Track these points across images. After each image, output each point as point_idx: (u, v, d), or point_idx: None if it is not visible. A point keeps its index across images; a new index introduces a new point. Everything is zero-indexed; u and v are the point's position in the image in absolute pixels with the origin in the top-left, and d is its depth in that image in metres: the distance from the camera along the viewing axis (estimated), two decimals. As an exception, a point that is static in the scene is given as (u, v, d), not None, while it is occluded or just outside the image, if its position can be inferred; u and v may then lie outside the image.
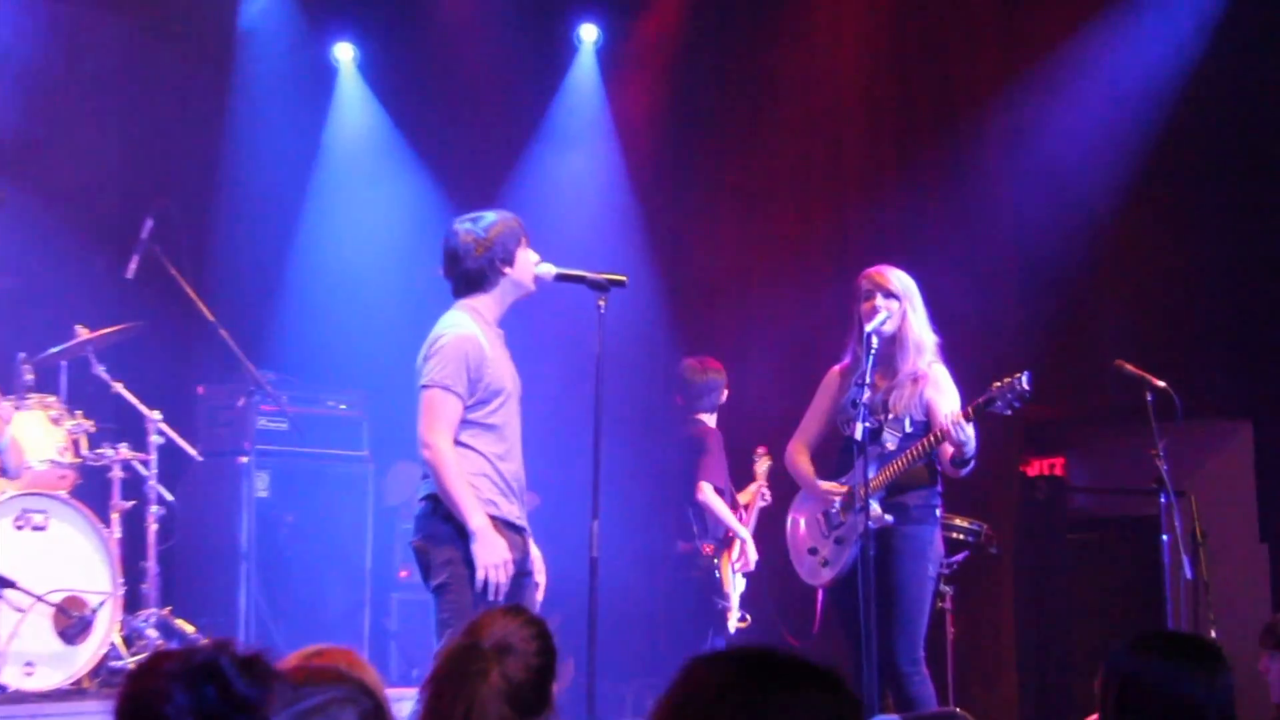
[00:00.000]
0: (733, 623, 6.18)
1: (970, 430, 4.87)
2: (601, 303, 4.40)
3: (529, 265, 4.49)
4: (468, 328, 4.39)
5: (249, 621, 6.52)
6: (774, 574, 6.50)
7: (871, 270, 5.17)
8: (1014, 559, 7.24)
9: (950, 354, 5.23)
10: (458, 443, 4.31)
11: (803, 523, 5.38)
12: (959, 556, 6.17)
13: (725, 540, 6.30)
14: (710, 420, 6.49)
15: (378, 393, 7.41)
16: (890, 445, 5.07)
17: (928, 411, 5.10)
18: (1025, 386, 4.78)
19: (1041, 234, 7.41)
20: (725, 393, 6.54)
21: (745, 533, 6.29)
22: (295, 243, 8.16)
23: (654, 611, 7.16)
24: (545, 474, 7.08)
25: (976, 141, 7.67)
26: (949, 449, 4.97)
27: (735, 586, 6.23)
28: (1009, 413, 4.87)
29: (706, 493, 6.22)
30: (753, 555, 6.23)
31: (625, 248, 8.05)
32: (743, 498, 6.51)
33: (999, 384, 4.84)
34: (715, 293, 8.30)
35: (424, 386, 4.33)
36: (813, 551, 5.31)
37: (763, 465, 6.54)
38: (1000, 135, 7.61)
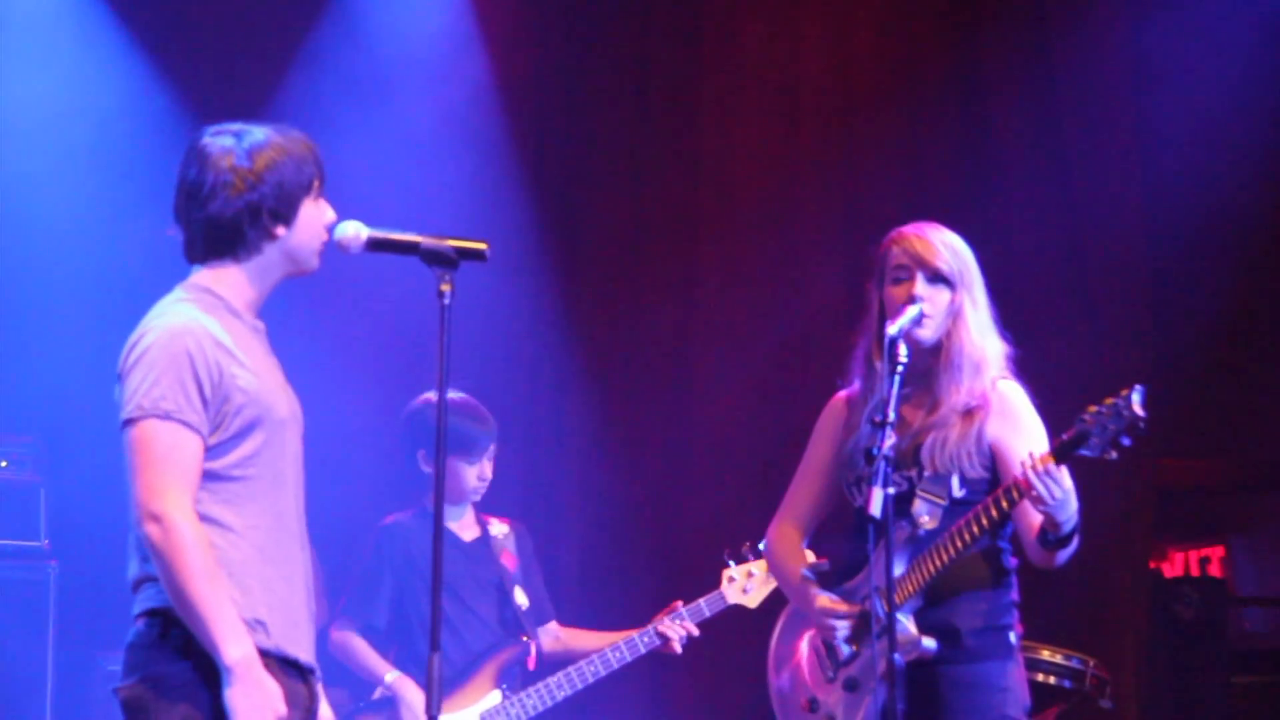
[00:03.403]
0: None
1: (1069, 481, 4.82)
2: (446, 287, 4.40)
3: (318, 223, 4.46)
4: (185, 316, 4.33)
5: None
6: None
7: (909, 231, 5.17)
8: (1143, 716, 7.30)
9: (1026, 373, 5.24)
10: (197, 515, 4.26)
11: (802, 656, 5.39)
12: (1051, 712, 6.19)
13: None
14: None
15: (64, 440, 7.43)
16: (926, 520, 5.05)
17: (993, 460, 5.11)
18: (1136, 411, 4.75)
19: (1183, 185, 7.63)
20: (456, 468, 6.66)
21: (396, 683, 6.58)
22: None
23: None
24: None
25: (1072, 36, 7.89)
26: (1033, 518, 4.94)
27: None
28: (1113, 456, 4.82)
29: (338, 636, 6.65)
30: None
31: (489, 201, 8.15)
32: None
33: (1095, 409, 4.81)
34: (638, 269, 8.36)
35: (128, 421, 4.28)
36: (812, 707, 5.31)
37: (733, 589, 6.70)
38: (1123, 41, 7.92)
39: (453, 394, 6.59)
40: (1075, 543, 4.94)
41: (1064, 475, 4.79)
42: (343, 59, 8.31)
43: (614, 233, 8.45)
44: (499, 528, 6.80)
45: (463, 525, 6.73)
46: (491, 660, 6.60)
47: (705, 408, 7.79)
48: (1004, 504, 4.90)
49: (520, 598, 6.69)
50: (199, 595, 4.16)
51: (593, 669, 6.54)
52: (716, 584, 6.62)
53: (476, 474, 6.64)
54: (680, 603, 6.62)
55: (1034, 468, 4.78)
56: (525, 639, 6.65)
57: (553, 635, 6.81)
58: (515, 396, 8.06)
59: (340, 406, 7.47)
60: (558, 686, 6.56)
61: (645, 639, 6.59)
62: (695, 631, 6.57)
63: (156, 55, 8.23)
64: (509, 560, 6.76)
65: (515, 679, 6.59)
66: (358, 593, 6.65)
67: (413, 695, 6.49)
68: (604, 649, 6.58)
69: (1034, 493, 4.79)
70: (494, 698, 6.56)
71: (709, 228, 8.37)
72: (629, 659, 6.52)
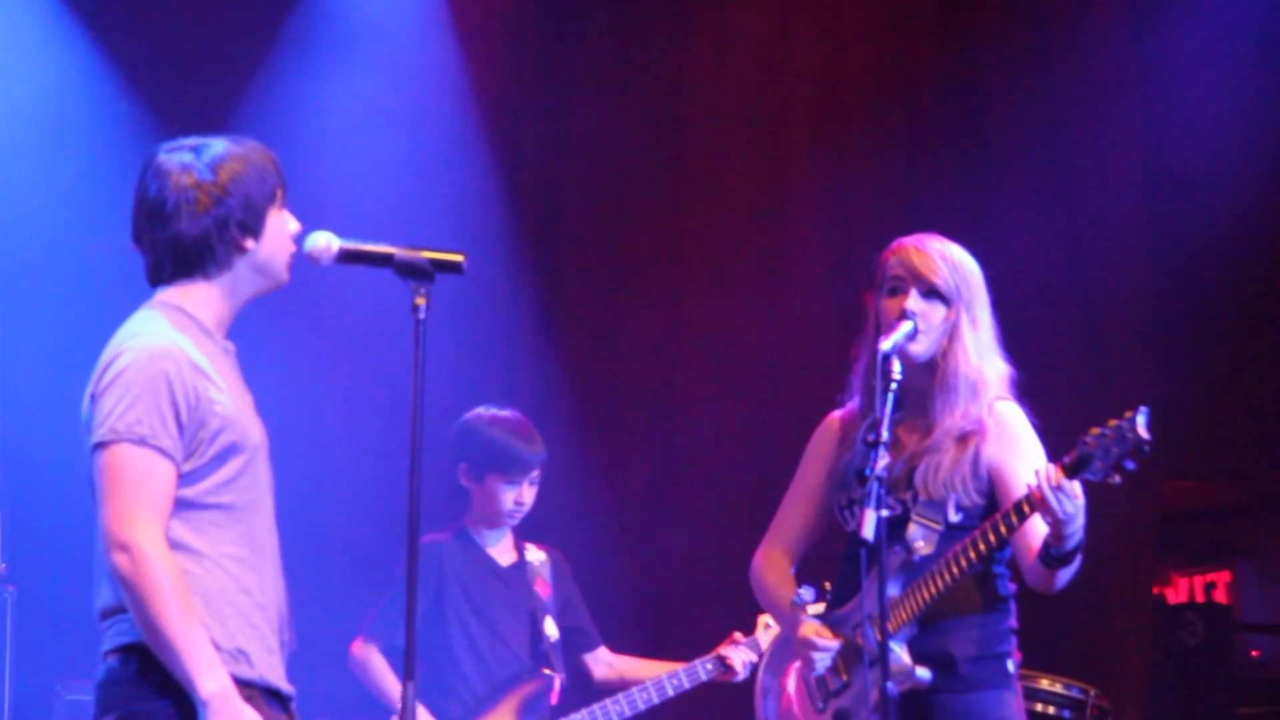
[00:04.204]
0: None
1: (1081, 497, 4.78)
2: (420, 301, 4.40)
3: (284, 234, 4.48)
4: (163, 336, 4.32)
5: None
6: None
7: (909, 243, 5.16)
8: (1146, 749, 7.37)
9: (1028, 396, 5.22)
10: (170, 543, 4.24)
11: (791, 687, 5.38)
12: (1051, 744, 6.18)
13: None
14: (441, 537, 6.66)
15: (22, 459, 7.41)
16: (921, 546, 5.04)
17: (990, 485, 5.10)
18: (1141, 434, 4.71)
19: (1190, 202, 7.71)
20: (492, 484, 6.63)
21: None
22: None
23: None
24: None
25: (1073, 42, 7.98)
26: (1033, 539, 4.92)
27: None
28: (1116, 480, 4.79)
29: (360, 651, 6.64)
30: None
31: (464, 208, 8.15)
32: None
33: (1098, 431, 4.78)
34: (622, 283, 8.38)
35: (100, 445, 4.26)
36: (801, 741, 5.30)
37: (769, 635, 6.64)
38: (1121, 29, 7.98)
39: (505, 412, 6.62)
40: (1077, 563, 4.92)
41: (1076, 489, 4.77)
42: (313, 60, 8.31)
43: (596, 244, 8.47)
44: (536, 554, 6.77)
45: (500, 550, 6.72)
46: (514, 692, 6.57)
47: (691, 429, 7.78)
48: (1014, 519, 4.87)
49: (550, 628, 6.68)
50: (171, 627, 4.16)
51: (645, 696, 6.51)
52: (752, 629, 6.64)
53: (514, 497, 6.61)
54: (739, 634, 6.63)
55: (1048, 479, 4.75)
56: (548, 671, 6.62)
57: (605, 662, 6.81)
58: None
59: (313, 426, 7.47)
60: None
61: (707, 666, 6.59)
62: (755, 658, 6.55)
63: (118, 57, 8.22)
64: (543, 588, 6.73)
65: (542, 713, 6.57)
66: (386, 611, 6.57)
67: None
68: (661, 677, 6.58)
69: (1046, 505, 4.76)
70: None
71: (695, 239, 8.38)
72: (688, 686, 6.53)
